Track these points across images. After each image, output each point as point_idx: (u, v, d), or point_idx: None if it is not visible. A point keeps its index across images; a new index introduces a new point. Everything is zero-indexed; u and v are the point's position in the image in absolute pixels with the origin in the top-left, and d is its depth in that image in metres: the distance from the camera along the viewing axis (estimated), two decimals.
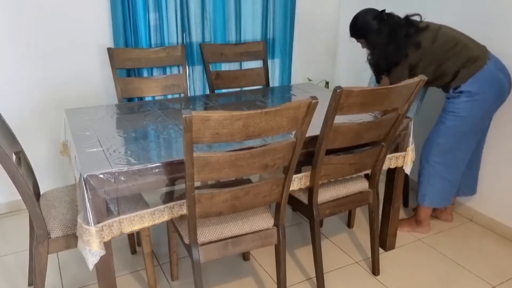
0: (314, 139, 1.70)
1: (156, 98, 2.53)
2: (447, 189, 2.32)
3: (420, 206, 2.40)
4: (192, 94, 2.88)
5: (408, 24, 2.14)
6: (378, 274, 2.12)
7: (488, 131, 2.36)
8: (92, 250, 1.44)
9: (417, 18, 2.18)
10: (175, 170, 1.52)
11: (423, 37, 2.11)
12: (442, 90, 2.25)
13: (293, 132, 1.51)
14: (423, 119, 2.66)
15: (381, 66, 2.20)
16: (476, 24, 2.38)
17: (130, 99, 2.53)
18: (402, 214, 2.53)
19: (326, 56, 3.52)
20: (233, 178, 1.63)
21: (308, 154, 1.75)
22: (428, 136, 2.28)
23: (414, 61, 2.13)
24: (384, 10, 2.18)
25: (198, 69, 2.88)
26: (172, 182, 1.54)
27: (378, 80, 2.35)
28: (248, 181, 1.78)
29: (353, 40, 2.32)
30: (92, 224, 1.41)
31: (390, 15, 2.18)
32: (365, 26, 2.19)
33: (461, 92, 2.10)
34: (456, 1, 2.52)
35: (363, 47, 2.31)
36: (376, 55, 2.19)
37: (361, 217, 2.66)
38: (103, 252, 1.46)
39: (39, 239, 1.57)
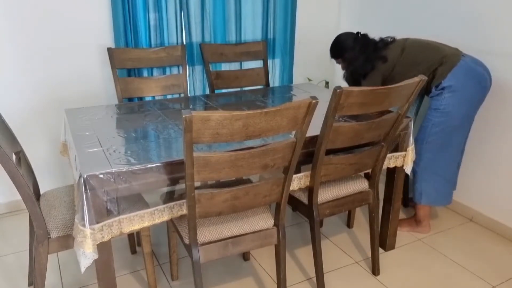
0: (314, 139, 1.70)
1: (156, 98, 2.53)
2: (442, 187, 2.33)
3: (418, 206, 2.40)
4: (192, 94, 2.88)
5: (378, 41, 2.34)
6: (378, 274, 2.12)
7: (488, 130, 2.36)
8: (85, 252, 1.42)
9: (387, 39, 2.34)
10: (175, 170, 1.52)
11: (390, 49, 2.27)
12: (426, 95, 2.31)
13: (293, 132, 1.51)
14: (423, 119, 2.66)
15: (353, 79, 2.37)
16: (474, 27, 2.38)
17: (130, 99, 2.53)
18: (402, 214, 2.52)
19: (326, 56, 3.49)
20: (233, 178, 1.63)
21: (308, 154, 1.75)
22: (417, 135, 2.29)
23: (386, 71, 2.27)
24: (359, 32, 2.40)
25: (198, 69, 2.88)
26: (172, 182, 1.54)
27: None
28: (248, 181, 1.78)
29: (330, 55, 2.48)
30: (88, 225, 1.40)
31: (364, 35, 2.39)
32: (342, 46, 2.40)
33: (443, 88, 2.14)
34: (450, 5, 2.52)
35: (342, 68, 2.47)
36: (349, 70, 2.38)
37: (361, 217, 2.66)
38: (95, 256, 1.45)
39: (39, 239, 1.57)
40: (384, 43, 2.31)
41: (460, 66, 2.12)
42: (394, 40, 2.32)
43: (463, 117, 2.20)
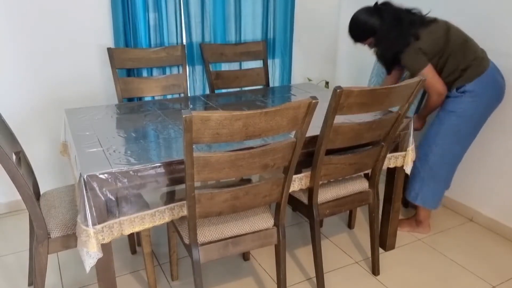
0: (314, 139, 1.70)
1: (156, 98, 2.53)
2: (439, 191, 2.33)
3: (419, 207, 2.39)
4: (192, 94, 2.88)
5: (410, 13, 2.10)
6: (378, 274, 2.12)
7: (488, 130, 2.36)
8: (89, 252, 1.43)
9: (416, 11, 2.14)
10: (175, 170, 1.52)
11: (434, 26, 2.06)
12: None
13: (293, 132, 1.51)
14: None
15: (388, 54, 2.13)
16: (476, 24, 2.38)
17: (130, 99, 2.53)
18: (403, 214, 2.52)
19: (326, 56, 3.52)
20: (233, 178, 1.63)
21: (308, 154, 1.75)
22: (425, 136, 2.27)
23: (425, 47, 2.04)
24: (376, 2, 2.13)
25: (198, 69, 2.88)
26: (172, 182, 1.54)
27: (389, 72, 2.31)
28: (248, 181, 1.78)
29: (353, 40, 2.28)
30: (91, 225, 1.41)
31: (385, 3, 2.12)
32: (367, 25, 2.12)
33: (464, 92, 2.10)
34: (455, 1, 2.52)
35: (371, 48, 2.24)
36: (383, 45, 2.13)
37: (361, 217, 2.66)
38: (100, 255, 1.45)
39: (39, 239, 1.57)
40: (420, 19, 2.08)
41: (487, 74, 2.07)
42: (435, 19, 2.09)
43: (476, 124, 2.17)
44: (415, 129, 2.21)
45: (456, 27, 2.12)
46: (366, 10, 2.14)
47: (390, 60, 2.18)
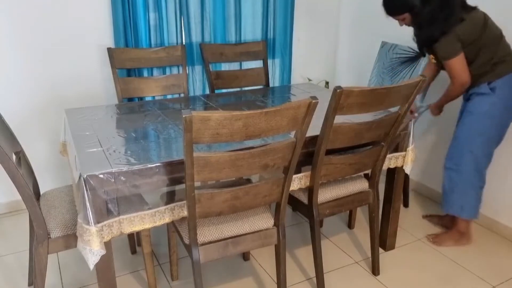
0: (314, 139, 1.70)
1: (156, 98, 2.53)
2: (479, 197, 2.23)
3: (459, 218, 2.29)
4: (192, 94, 2.88)
5: None
6: (378, 274, 2.12)
7: None
8: (92, 250, 1.43)
9: None
10: (175, 170, 1.52)
11: (475, 14, 1.96)
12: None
13: (293, 132, 1.51)
14: (424, 119, 2.66)
15: (427, 35, 1.99)
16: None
17: (130, 99, 2.53)
18: (402, 214, 2.52)
19: (326, 56, 3.52)
20: (233, 178, 1.63)
21: (308, 154, 1.75)
22: (455, 142, 2.18)
23: (462, 35, 1.94)
24: None
25: (198, 69, 2.88)
26: (172, 182, 1.54)
27: (424, 54, 2.19)
28: (248, 181, 1.78)
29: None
30: (93, 224, 1.41)
31: None
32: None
33: (494, 88, 2.00)
34: None
35: (403, 24, 2.08)
36: (425, 24, 1.97)
37: (361, 217, 2.66)
38: (103, 252, 1.46)
39: (39, 239, 1.57)
40: (464, 4, 1.96)
41: None
42: (476, 7, 1.99)
43: (505, 125, 2.10)
44: (434, 115, 2.12)
45: (493, 20, 2.02)
46: None
47: (425, 41, 2.04)
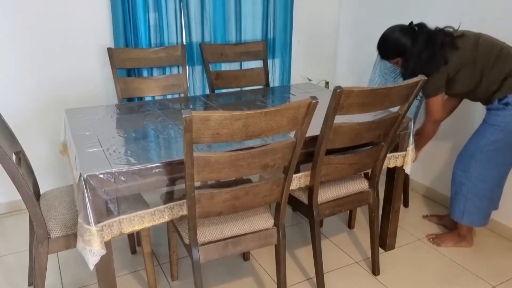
0: (314, 139, 1.70)
1: (156, 98, 2.53)
2: (486, 208, 2.21)
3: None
4: (192, 94, 2.88)
5: (442, 33, 2.02)
6: (378, 274, 2.12)
7: None
8: (93, 250, 1.43)
9: (449, 29, 2.05)
10: (175, 170, 1.52)
11: (461, 44, 1.99)
12: (481, 103, 2.14)
13: (293, 132, 1.51)
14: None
15: (415, 76, 2.01)
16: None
17: (130, 99, 2.53)
18: (402, 214, 2.52)
19: (326, 56, 3.52)
20: (233, 178, 1.63)
21: (308, 154, 1.75)
22: (465, 148, 2.17)
23: (452, 72, 2.01)
24: (411, 22, 2.06)
25: (198, 69, 2.88)
26: (172, 182, 1.54)
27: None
28: (248, 181, 1.78)
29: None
30: (93, 224, 1.41)
31: (421, 25, 2.05)
32: (398, 44, 2.05)
33: (507, 103, 1.98)
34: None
35: (398, 66, 2.17)
36: (411, 66, 2.03)
37: (361, 217, 2.66)
38: (104, 252, 1.46)
39: (39, 239, 1.57)
40: (451, 38, 1.99)
41: None
42: (463, 34, 2.01)
43: None
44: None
45: (488, 37, 2.02)
46: (400, 29, 2.06)
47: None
